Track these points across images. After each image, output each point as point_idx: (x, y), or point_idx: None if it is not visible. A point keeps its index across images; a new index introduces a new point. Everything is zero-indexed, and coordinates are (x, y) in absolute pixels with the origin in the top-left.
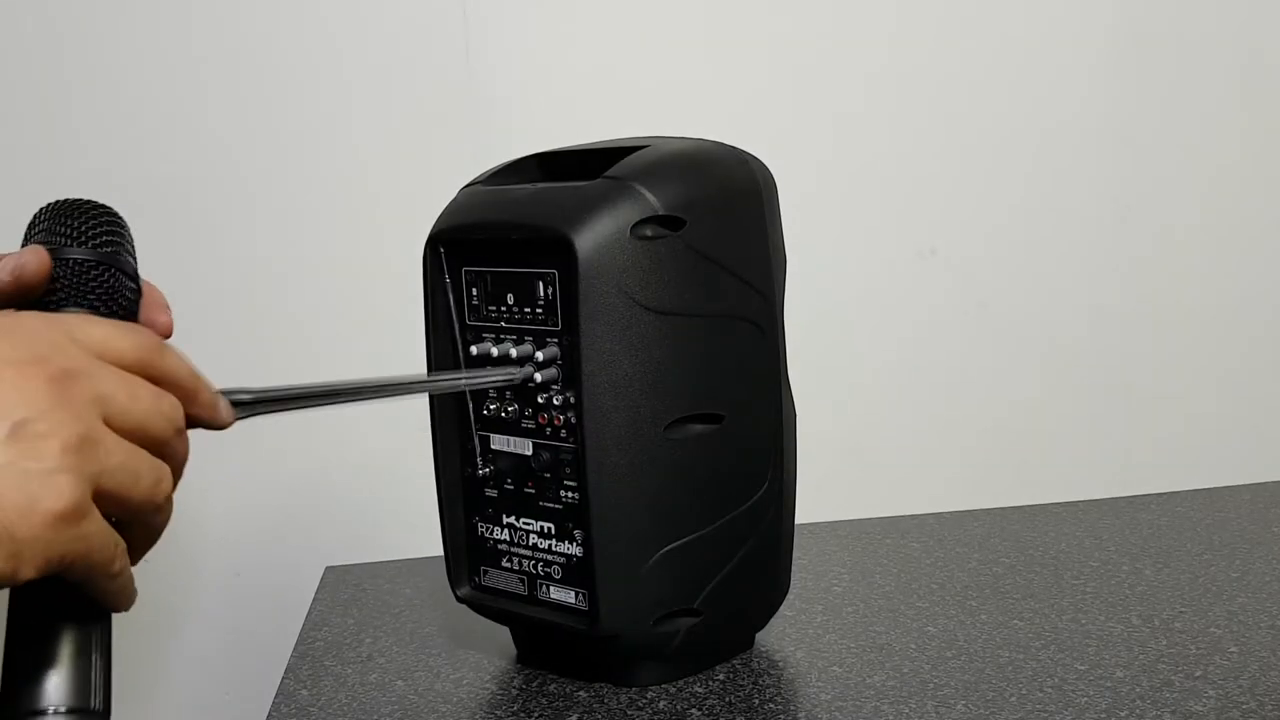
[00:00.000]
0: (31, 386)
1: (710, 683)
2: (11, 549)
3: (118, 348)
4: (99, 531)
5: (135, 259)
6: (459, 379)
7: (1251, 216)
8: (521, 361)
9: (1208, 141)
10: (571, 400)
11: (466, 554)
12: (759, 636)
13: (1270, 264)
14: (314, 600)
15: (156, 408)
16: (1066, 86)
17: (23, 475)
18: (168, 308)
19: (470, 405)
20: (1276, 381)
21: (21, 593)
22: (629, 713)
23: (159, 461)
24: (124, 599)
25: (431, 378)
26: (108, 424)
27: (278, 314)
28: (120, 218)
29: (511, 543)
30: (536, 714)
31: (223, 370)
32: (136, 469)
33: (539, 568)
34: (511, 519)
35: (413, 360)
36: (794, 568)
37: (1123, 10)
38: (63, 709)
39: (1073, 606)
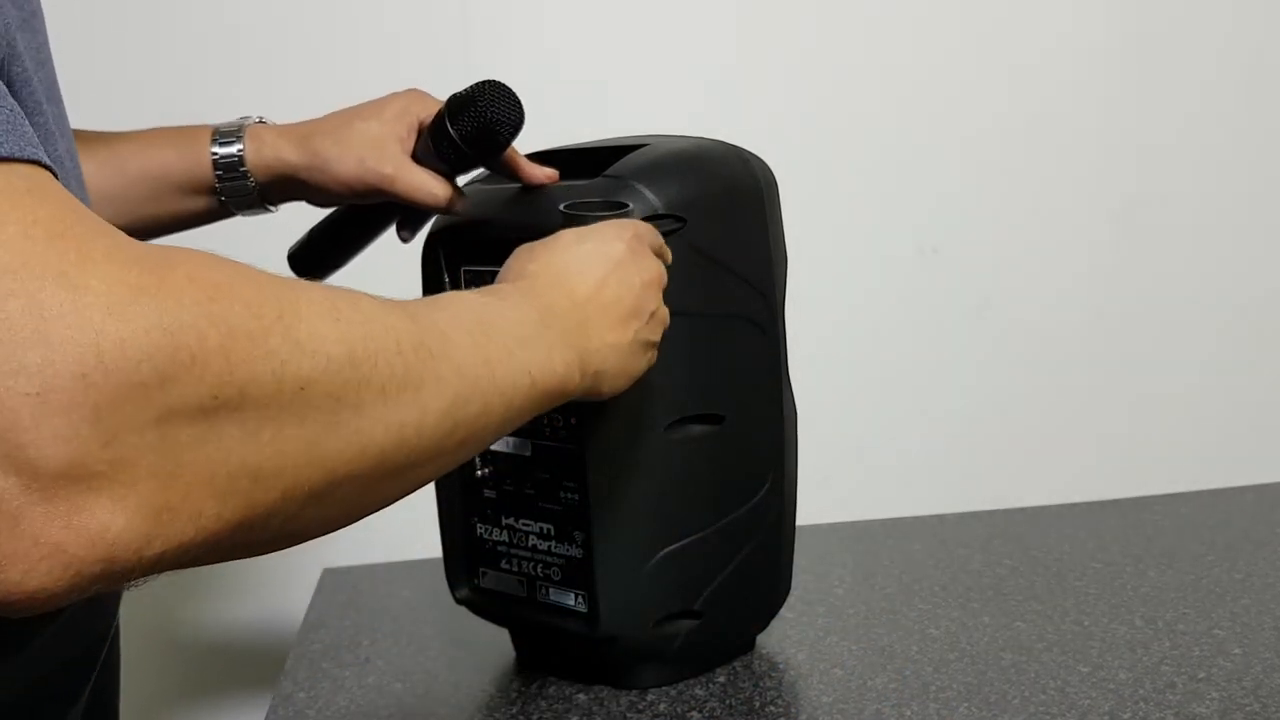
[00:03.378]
0: (654, 293)
1: (711, 685)
2: (600, 390)
3: (655, 240)
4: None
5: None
6: None
7: (1253, 216)
8: None
9: (1209, 140)
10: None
11: (465, 555)
12: (760, 638)
13: (1272, 263)
14: (311, 602)
15: (665, 277)
16: (1067, 85)
17: (649, 344)
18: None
19: None
20: (1278, 381)
21: None
22: (629, 715)
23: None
24: None
25: None
26: None
27: None
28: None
29: (511, 544)
30: (536, 717)
31: None
32: (667, 315)
33: (538, 569)
34: (511, 520)
35: None
36: (795, 569)
37: (1124, 8)
38: None
39: (1075, 608)
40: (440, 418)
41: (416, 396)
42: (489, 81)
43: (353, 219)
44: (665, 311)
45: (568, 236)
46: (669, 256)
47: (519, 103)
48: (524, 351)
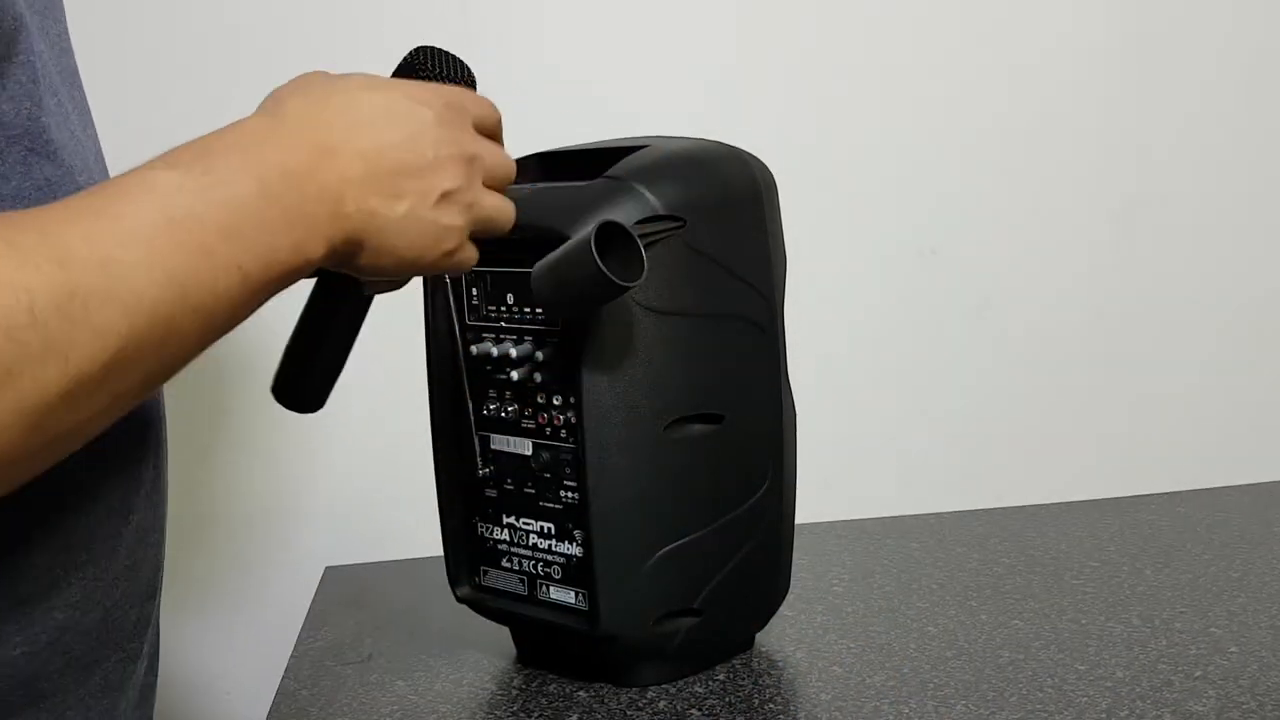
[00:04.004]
0: (457, 170)
1: (710, 683)
2: (358, 262)
3: (487, 118)
4: (468, 253)
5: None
6: None
7: (1253, 216)
8: (521, 361)
9: (1209, 140)
10: (571, 400)
11: (466, 554)
12: (759, 636)
13: (1272, 263)
14: (314, 600)
15: (507, 165)
16: (1067, 85)
17: (437, 227)
18: None
19: (470, 405)
20: (1277, 381)
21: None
22: (629, 713)
23: (505, 198)
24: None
25: None
26: (485, 183)
27: (277, 314)
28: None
29: (511, 543)
30: (536, 714)
31: (220, 368)
32: (501, 208)
33: (539, 568)
34: (511, 519)
35: (412, 360)
36: (794, 568)
37: (1124, 8)
38: None
39: (1073, 606)
40: (104, 372)
41: (64, 365)
42: (419, 48)
43: (321, 298)
44: (488, 199)
45: (358, 80)
46: (500, 137)
47: (460, 60)
48: (229, 245)
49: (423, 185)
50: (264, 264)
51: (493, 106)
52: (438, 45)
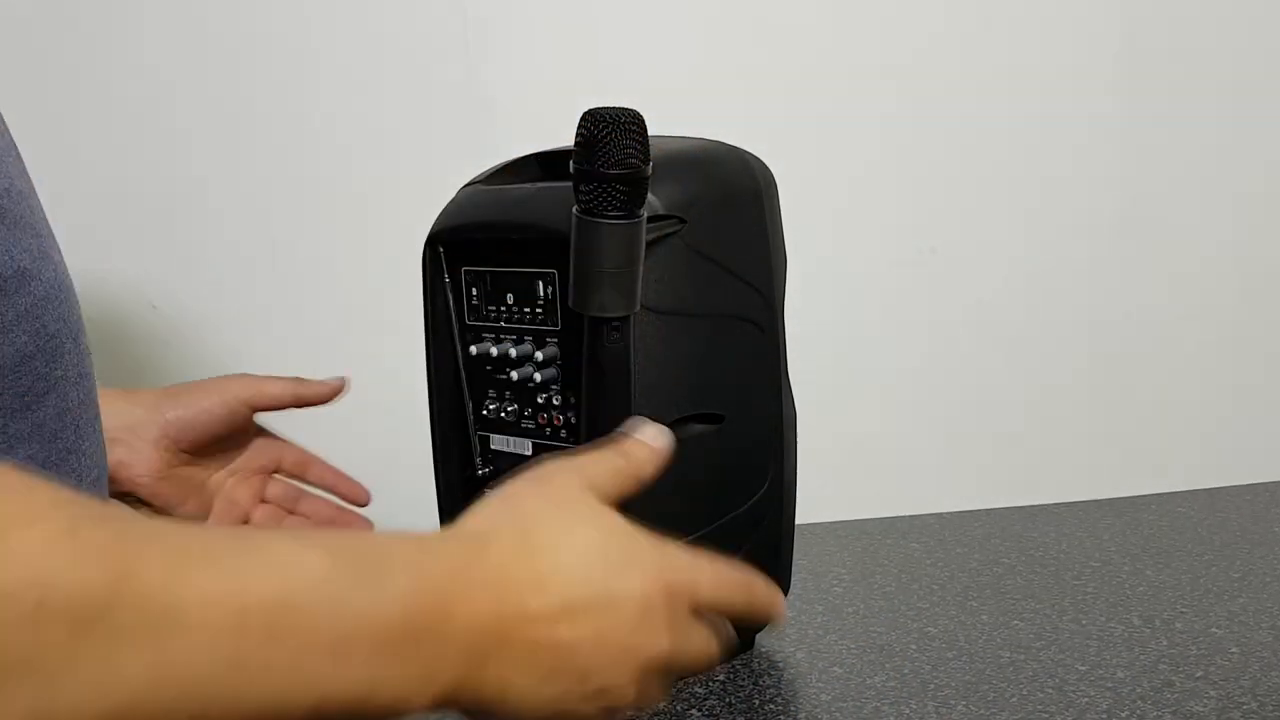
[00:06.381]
0: (629, 678)
1: (710, 683)
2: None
3: (716, 591)
4: None
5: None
6: None
7: (1252, 217)
8: (521, 361)
9: (1208, 142)
10: (572, 400)
11: None
12: (759, 637)
13: (1271, 264)
14: None
15: (706, 657)
16: (1067, 86)
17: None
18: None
19: (470, 405)
20: (1277, 381)
21: None
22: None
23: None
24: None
25: None
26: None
27: (277, 315)
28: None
29: None
30: None
31: (220, 369)
32: (655, 699)
33: None
34: None
35: (412, 361)
36: (794, 568)
37: (1124, 12)
38: None
39: (1073, 607)
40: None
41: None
42: (591, 115)
43: None
44: (654, 694)
45: (580, 513)
46: (726, 602)
47: (632, 122)
48: (331, 666)
49: (583, 686)
50: (354, 696)
51: (729, 571)
52: (605, 107)
